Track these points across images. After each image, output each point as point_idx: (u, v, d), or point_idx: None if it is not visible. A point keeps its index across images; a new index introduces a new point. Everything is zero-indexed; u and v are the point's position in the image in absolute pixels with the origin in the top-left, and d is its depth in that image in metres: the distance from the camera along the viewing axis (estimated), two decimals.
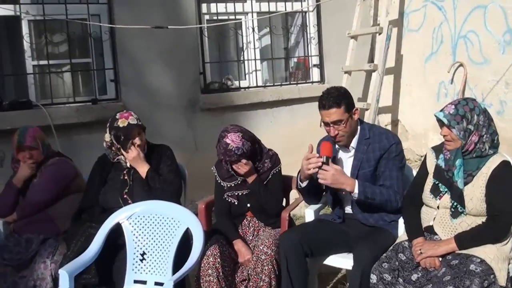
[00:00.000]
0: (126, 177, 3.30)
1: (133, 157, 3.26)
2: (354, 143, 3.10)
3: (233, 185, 3.42)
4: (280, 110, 6.04)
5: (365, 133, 3.10)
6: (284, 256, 3.02)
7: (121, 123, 3.24)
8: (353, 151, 3.12)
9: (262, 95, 5.86)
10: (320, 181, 2.94)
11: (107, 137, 3.31)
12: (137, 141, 3.27)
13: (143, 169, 3.28)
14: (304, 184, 3.12)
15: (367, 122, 3.37)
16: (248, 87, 5.96)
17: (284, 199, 3.63)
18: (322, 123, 3.03)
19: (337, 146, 3.14)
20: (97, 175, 3.36)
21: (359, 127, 3.12)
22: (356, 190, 2.97)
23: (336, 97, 2.95)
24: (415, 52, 6.12)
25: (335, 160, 3.14)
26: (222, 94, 5.64)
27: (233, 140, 3.22)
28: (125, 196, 3.25)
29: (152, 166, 3.32)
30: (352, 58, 6.04)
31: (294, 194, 3.84)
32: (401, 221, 3.05)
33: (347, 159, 3.15)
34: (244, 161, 3.28)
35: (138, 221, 2.97)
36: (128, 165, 3.31)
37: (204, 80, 5.58)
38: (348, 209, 3.22)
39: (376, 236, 2.97)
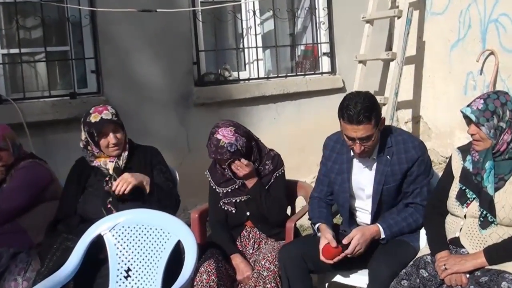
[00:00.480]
0: (109, 184, 3.29)
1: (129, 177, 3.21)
2: (375, 153, 3.06)
3: (229, 190, 3.43)
4: (285, 106, 6.05)
5: (386, 141, 3.06)
6: (284, 273, 3.03)
7: (93, 118, 3.25)
8: (373, 162, 3.08)
9: (264, 88, 5.86)
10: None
11: (82, 135, 3.32)
12: (111, 139, 3.27)
13: (146, 180, 3.27)
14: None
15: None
16: (249, 79, 5.96)
17: (289, 207, 3.66)
18: (345, 137, 2.98)
19: (352, 153, 3.12)
20: (75, 180, 3.36)
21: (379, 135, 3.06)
22: (383, 235, 3.02)
23: (366, 110, 2.86)
24: (439, 38, 6.12)
25: (350, 170, 3.12)
26: (219, 87, 5.64)
27: (224, 135, 3.24)
28: (109, 206, 3.24)
29: (133, 170, 3.32)
30: (367, 46, 6.04)
31: (300, 202, 3.84)
32: (423, 232, 3.05)
33: (363, 168, 3.13)
34: (244, 161, 3.29)
35: (123, 233, 2.96)
36: (110, 171, 3.31)
37: (198, 71, 5.59)
38: (364, 222, 3.23)
39: (394, 250, 2.97)
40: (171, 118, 5.41)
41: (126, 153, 3.36)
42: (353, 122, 2.86)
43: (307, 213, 3.70)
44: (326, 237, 2.93)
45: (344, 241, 2.91)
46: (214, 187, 3.47)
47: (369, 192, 3.10)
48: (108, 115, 3.27)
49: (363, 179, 3.11)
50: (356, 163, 3.14)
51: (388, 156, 3.02)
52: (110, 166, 3.33)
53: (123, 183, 3.17)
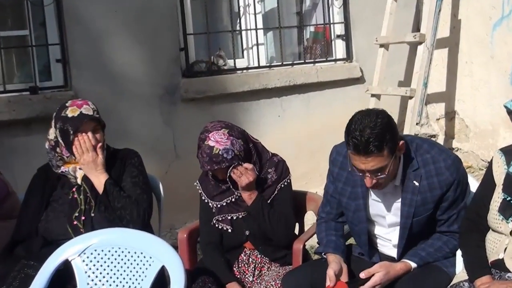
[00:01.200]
0: (76, 196, 3.31)
1: (87, 161, 3.27)
2: (397, 179, 3.00)
3: (224, 204, 3.43)
4: (291, 100, 6.09)
5: (411, 162, 3.00)
6: None
7: (71, 112, 3.26)
8: (397, 190, 3.04)
9: (266, 79, 5.89)
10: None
11: (51, 133, 3.32)
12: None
13: (99, 179, 3.31)
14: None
15: (407, 134, 3.30)
16: (247, 68, 6.00)
17: (297, 224, 3.65)
18: (353, 167, 2.90)
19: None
20: (37, 193, 3.36)
21: (402, 158, 2.99)
22: (413, 265, 3.01)
23: (377, 138, 2.75)
24: (478, 16, 6.13)
25: (365, 194, 3.09)
26: (211, 78, 5.68)
27: (217, 140, 3.23)
28: (75, 222, 3.25)
29: (111, 178, 3.35)
30: (390, 26, 6.08)
31: (310, 217, 3.84)
32: (459, 253, 3.05)
33: (384, 194, 3.07)
34: (248, 165, 3.30)
35: (95, 258, 2.94)
36: (78, 180, 3.32)
37: (186, 59, 5.62)
38: (387, 253, 3.22)
39: (424, 276, 2.96)
40: (154, 117, 5.44)
41: (105, 155, 3.37)
42: (360, 153, 2.78)
43: None
44: (328, 275, 2.92)
45: (362, 276, 2.90)
46: (206, 200, 3.47)
47: (392, 221, 3.08)
48: (89, 110, 3.28)
49: (384, 207, 3.08)
50: (376, 192, 3.09)
51: (415, 182, 2.96)
52: (79, 174, 3.33)
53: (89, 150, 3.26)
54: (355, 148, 2.77)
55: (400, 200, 3.01)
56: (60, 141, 3.28)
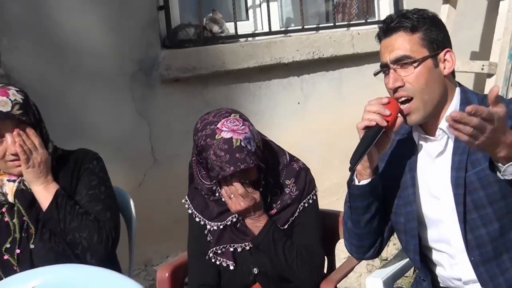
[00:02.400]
0: (7, 219, 3.32)
1: (36, 163, 3.29)
2: (445, 124, 2.97)
3: (228, 224, 3.44)
4: (317, 80, 6.13)
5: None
6: None
7: None
8: (447, 143, 3.08)
9: (280, 51, 5.90)
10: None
11: None
12: (9, 146, 3.27)
13: (47, 190, 3.32)
14: (363, 181, 3.09)
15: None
16: (254, 35, 6.02)
17: (325, 258, 3.67)
18: (383, 76, 3.07)
19: (414, 134, 3.11)
20: None
21: (456, 93, 3.08)
22: None
23: (414, 15, 2.99)
24: None
25: (413, 164, 3.12)
26: (203, 49, 5.65)
27: (233, 129, 3.25)
28: (6, 257, 3.26)
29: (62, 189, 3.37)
30: None
31: (344, 248, 3.82)
32: None
33: (435, 159, 3.11)
34: (238, 186, 3.28)
35: None
36: (9, 197, 3.33)
37: (168, 23, 5.60)
38: (450, 275, 3.20)
39: None
40: (123, 105, 5.41)
41: (48, 160, 3.36)
42: (386, 32, 3.02)
43: (356, 269, 3.69)
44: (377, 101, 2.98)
45: (468, 109, 2.88)
46: (202, 222, 3.49)
47: (447, 200, 3.07)
48: (5, 104, 3.25)
49: (437, 177, 3.10)
50: (422, 152, 3.15)
51: None
52: (9, 188, 3.35)
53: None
54: (383, 27, 3.04)
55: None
56: None
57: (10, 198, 3.31)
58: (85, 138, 4.45)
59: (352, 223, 3.18)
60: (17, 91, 3.32)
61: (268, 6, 6.01)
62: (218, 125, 3.26)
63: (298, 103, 6.03)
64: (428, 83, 2.98)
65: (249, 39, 5.94)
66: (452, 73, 3.10)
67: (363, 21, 6.38)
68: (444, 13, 6.00)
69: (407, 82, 2.96)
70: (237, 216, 3.42)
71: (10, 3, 5.03)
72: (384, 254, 5.57)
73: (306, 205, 3.46)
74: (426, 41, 2.98)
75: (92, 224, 3.30)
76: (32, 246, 3.27)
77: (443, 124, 3.03)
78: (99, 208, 3.36)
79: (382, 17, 6.36)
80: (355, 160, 2.92)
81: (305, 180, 3.49)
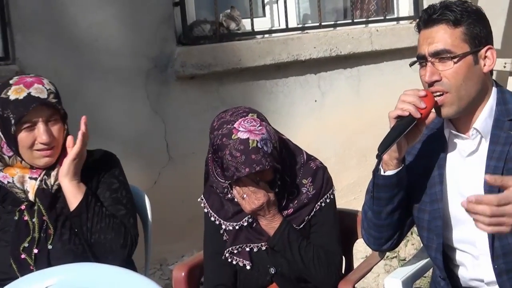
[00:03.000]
0: (26, 218, 3.29)
1: (73, 157, 3.29)
2: (480, 124, 3.03)
3: (244, 224, 3.43)
4: (334, 78, 6.12)
5: (509, 109, 3.04)
6: None
7: (15, 92, 3.25)
8: (480, 142, 3.06)
9: (297, 48, 5.89)
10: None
11: None
12: (40, 134, 3.25)
13: (78, 188, 3.31)
14: (389, 171, 3.06)
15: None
16: (270, 32, 6.01)
17: (343, 257, 3.66)
18: (417, 63, 3.06)
19: (444, 129, 3.11)
20: None
21: (493, 93, 3.07)
22: None
23: (455, 9, 2.95)
24: None
25: (442, 166, 3.10)
26: (219, 46, 5.66)
27: (249, 129, 3.24)
28: (23, 256, 3.23)
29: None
30: None
31: (361, 248, 3.80)
32: None
33: (466, 158, 3.09)
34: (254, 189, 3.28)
35: None
36: (30, 195, 3.30)
37: (183, 19, 5.59)
38: (472, 275, 3.19)
39: None
40: (137, 102, 5.41)
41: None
42: (427, 22, 2.98)
43: (374, 269, 3.67)
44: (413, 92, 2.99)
45: (487, 178, 2.84)
46: (217, 222, 3.49)
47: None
48: (41, 92, 3.27)
49: (467, 177, 3.07)
50: (453, 149, 3.13)
51: (511, 132, 3.00)
52: (31, 186, 3.32)
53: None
54: (424, 16, 3.00)
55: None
56: (0, 134, 3.31)
57: (31, 196, 3.30)
58: (100, 135, 4.43)
59: (373, 213, 3.18)
60: (49, 81, 3.35)
61: (285, 2, 5.98)
62: (235, 125, 3.25)
63: (315, 100, 6.02)
64: (466, 80, 2.96)
65: (266, 35, 5.94)
66: (490, 72, 3.07)
67: (382, 17, 6.38)
68: None
69: (444, 76, 2.94)
70: (252, 216, 3.41)
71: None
72: (402, 254, 5.59)
73: (323, 204, 3.46)
74: (468, 36, 2.96)
75: (118, 227, 3.32)
76: (50, 246, 3.26)
77: (477, 123, 3.02)
78: (123, 213, 3.39)
79: (401, 14, 6.47)
80: (383, 148, 2.91)
81: (323, 179, 3.48)
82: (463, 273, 3.20)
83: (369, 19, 6.35)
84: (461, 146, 3.09)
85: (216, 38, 5.68)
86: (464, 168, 3.08)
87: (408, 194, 3.15)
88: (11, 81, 3.29)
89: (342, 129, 6.08)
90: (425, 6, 6.20)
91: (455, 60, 2.92)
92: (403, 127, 2.90)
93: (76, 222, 3.28)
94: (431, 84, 2.96)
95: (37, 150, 3.27)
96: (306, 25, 6.18)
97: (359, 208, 3.77)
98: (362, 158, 6.18)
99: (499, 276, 3.03)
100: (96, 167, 3.44)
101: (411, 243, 5.63)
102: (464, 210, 2.99)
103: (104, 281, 2.93)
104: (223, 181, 3.39)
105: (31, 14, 5.05)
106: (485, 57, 3.00)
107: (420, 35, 3.02)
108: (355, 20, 6.31)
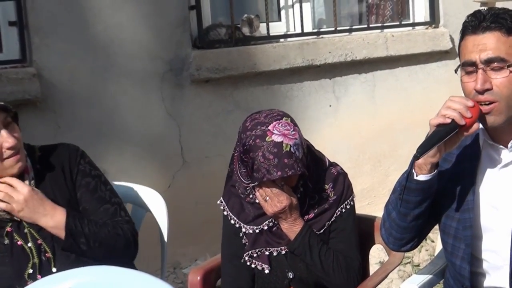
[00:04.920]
0: (20, 242, 3.24)
1: (23, 200, 3.18)
2: None
3: (265, 229, 3.45)
4: (349, 83, 6.14)
5: None
6: None
7: None
8: None
9: (312, 53, 5.90)
10: None
11: None
12: (5, 138, 3.16)
13: (53, 220, 3.23)
14: (422, 177, 3.02)
15: None
16: (286, 36, 6.02)
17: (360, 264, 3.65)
18: (461, 70, 2.99)
19: (480, 137, 3.08)
20: None
21: None
22: None
23: (506, 16, 2.89)
24: None
25: (474, 174, 3.09)
26: (234, 50, 5.69)
27: (284, 133, 3.25)
28: (29, 282, 3.14)
29: (48, 191, 3.30)
30: None
31: (377, 254, 3.82)
32: None
33: (500, 169, 3.09)
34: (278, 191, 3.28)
35: None
36: (11, 214, 3.21)
37: (199, 22, 5.62)
38: (494, 284, 3.17)
39: None
40: (152, 105, 5.44)
41: (32, 173, 3.31)
42: (477, 28, 2.91)
43: (389, 275, 3.68)
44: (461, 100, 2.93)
45: None
46: (237, 225, 3.50)
47: (506, 211, 3.06)
48: None
49: (500, 188, 3.06)
50: (487, 158, 3.11)
51: None
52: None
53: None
54: (473, 22, 2.93)
55: None
56: None
57: (17, 216, 3.22)
58: (115, 138, 4.46)
59: (397, 214, 3.15)
60: None
61: (300, 7, 6.01)
62: (269, 127, 3.26)
63: (330, 105, 6.03)
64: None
65: (281, 40, 5.96)
66: None
67: (397, 23, 6.39)
68: None
69: (495, 85, 2.89)
70: (273, 220, 3.40)
71: (41, 2, 5.08)
72: (416, 259, 5.58)
73: (343, 210, 3.46)
74: None
75: (115, 233, 3.31)
76: (54, 269, 3.23)
77: None
78: (112, 210, 3.37)
79: (417, 19, 6.46)
80: (423, 150, 2.87)
81: (344, 185, 3.49)
82: (484, 282, 3.20)
83: (385, 24, 6.35)
84: (496, 156, 3.07)
85: (232, 42, 5.70)
86: (498, 179, 3.06)
87: (437, 199, 3.12)
88: None
89: (356, 134, 6.08)
90: (442, 12, 6.33)
91: (511, 68, 2.88)
92: (446, 132, 2.88)
93: (74, 252, 3.25)
94: (481, 92, 2.91)
95: (7, 158, 3.18)
96: (321, 30, 6.19)
97: (373, 213, 3.81)
98: (377, 163, 6.18)
99: None
100: (66, 168, 3.38)
101: (425, 249, 5.59)
102: (492, 220, 3.04)
103: (120, 283, 2.94)
104: (247, 182, 3.38)
105: (48, 17, 5.09)
106: None
107: (466, 40, 2.95)
108: (370, 25, 6.31)
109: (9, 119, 3.21)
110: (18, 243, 3.23)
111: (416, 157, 2.91)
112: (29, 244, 3.23)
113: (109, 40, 5.27)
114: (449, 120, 2.85)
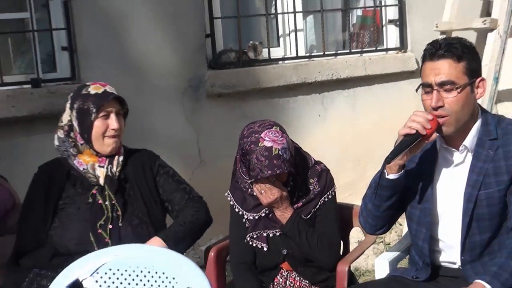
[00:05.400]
0: (100, 201, 3.34)
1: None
2: (469, 141, 3.08)
3: (262, 215, 3.50)
4: (335, 97, 6.16)
5: (489, 130, 3.08)
6: None
7: (94, 89, 3.33)
8: (466, 156, 3.11)
9: (305, 72, 5.95)
10: None
11: (65, 117, 3.37)
12: (112, 122, 3.31)
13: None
14: (391, 175, 3.08)
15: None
16: (283, 59, 6.06)
17: (341, 243, 3.71)
18: (421, 89, 3.07)
19: (436, 142, 3.13)
20: (41, 195, 3.35)
21: (479, 119, 3.10)
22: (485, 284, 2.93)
23: (457, 46, 2.98)
24: None
25: (433, 172, 3.16)
26: (242, 70, 5.73)
27: (273, 139, 3.29)
28: (100, 231, 3.28)
29: (127, 182, 3.42)
30: (454, 10, 6.06)
31: (356, 234, 3.88)
32: None
33: (453, 168, 3.15)
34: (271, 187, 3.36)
35: (110, 278, 2.90)
36: (101, 180, 3.34)
37: (213, 48, 5.69)
38: (448, 259, 3.25)
39: None
40: (175, 115, 5.51)
41: (121, 157, 3.43)
42: (433, 56, 2.98)
43: (365, 252, 3.77)
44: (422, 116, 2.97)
45: None
46: (240, 212, 3.53)
47: (459, 202, 3.11)
48: (112, 90, 3.36)
49: (451, 183, 3.14)
50: (443, 159, 3.17)
51: (490, 151, 3.05)
52: (101, 172, 3.36)
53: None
54: (429, 52, 3.01)
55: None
56: (75, 125, 3.32)
57: (101, 181, 3.33)
58: (146, 140, 4.43)
59: (372, 206, 3.20)
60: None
61: (296, 35, 6.07)
62: (262, 135, 3.29)
63: (319, 115, 6.07)
64: (464, 106, 2.98)
65: (280, 62, 5.99)
66: (479, 105, 3.12)
67: (374, 48, 6.38)
68: None
69: (447, 103, 2.96)
70: (269, 209, 3.46)
71: (87, 30, 5.17)
72: (387, 239, 5.54)
73: (326, 199, 3.49)
74: (468, 70, 2.97)
75: (203, 205, 3.53)
76: (120, 224, 3.30)
77: (467, 141, 3.05)
78: (188, 189, 3.52)
79: (390, 46, 6.43)
80: (393, 156, 2.95)
81: (326, 179, 3.52)
82: (441, 257, 3.24)
83: (363, 49, 6.36)
84: (450, 157, 3.12)
85: (239, 64, 5.74)
86: (451, 176, 3.12)
87: (404, 193, 3.17)
88: (87, 84, 3.38)
89: (340, 138, 6.10)
90: (409, 39, 6.30)
91: (459, 90, 2.94)
92: (410, 142, 2.94)
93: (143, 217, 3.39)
94: (435, 109, 2.97)
95: (108, 136, 3.31)
96: (312, 54, 6.21)
97: (355, 203, 3.81)
98: (356, 162, 6.19)
99: (464, 265, 3.12)
100: (147, 163, 3.49)
101: (395, 231, 5.63)
102: (447, 208, 3.09)
103: (150, 259, 2.93)
104: (247, 178, 3.44)
105: (93, 43, 5.17)
106: (478, 86, 3.03)
107: (425, 65, 3.02)
108: (352, 50, 6.32)
109: (121, 112, 3.40)
110: (99, 201, 3.32)
111: (387, 162, 2.99)
112: (106, 203, 3.32)
113: (141, 62, 5.35)
114: (413, 131, 2.92)
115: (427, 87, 3.01)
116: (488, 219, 3.06)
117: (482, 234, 3.08)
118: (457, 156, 3.12)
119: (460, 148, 3.07)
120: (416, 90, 3.10)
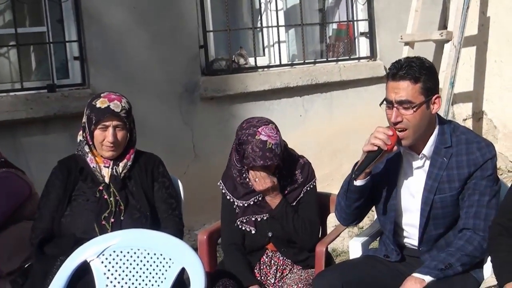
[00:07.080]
0: (106, 196, 3.32)
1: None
2: (427, 150, 3.09)
3: (250, 205, 3.48)
4: (313, 100, 6.12)
5: (445, 139, 3.10)
6: None
7: (100, 103, 3.29)
8: (424, 162, 3.12)
9: (287, 78, 5.92)
10: None
11: (83, 119, 3.37)
12: (108, 135, 3.27)
13: None
14: (359, 182, 3.08)
15: (451, 120, 3.33)
16: (268, 67, 6.03)
17: (320, 227, 3.68)
18: (385, 102, 3.06)
19: (400, 147, 3.11)
20: (58, 186, 3.36)
21: (436, 128, 3.11)
22: (428, 280, 2.94)
23: (415, 68, 2.96)
24: (508, 13, 6.06)
25: (398, 173, 3.16)
26: (231, 76, 5.71)
27: (269, 135, 3.30)
28: (103, 223, 3.26)
29: (133, 180, 3.38)
30: (416, 23, 6.07)
31: (333, 220, 3.84)
32: (488, 258, 3.02)
33: (414, 170, 3.16)
34: (263, 174, 3.34)
35: (114, 259, 2.97)
36: (106, 179, 3.33)
37: (206, 57, 5.65)
38: (412, 243, 3.26)
39: (451, 282, 2.95)
40: (173, 116, 5.49)
41: (130, 162, 3.40)
42: (395, 77, 2.96)
43: (341, 235, 3.70)
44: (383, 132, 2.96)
45: None
46: (231, 200, 3.51)
47: (418, 202, 3.14)
48: (117, 107, 3.29)
49: (412, 185, 3.15)
50: (406, 163, 3.17)
51: (444, 158, 3.06)
52: (106, 172, 3.35)
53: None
54: (391, 72, 2.99)
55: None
56: (86, 127, 3.32)
57: (106, 180, 3.31)
58: (147, 139, 4.42)
59: (344, 205, 3.20)
60: (127, 101, 3.38)
61: (279, 45, 6.05)
62: (259, 129, 3.31)
63: (300, 115, 6.04)
64: (420, 121, 2.99)
65: (265, 69, 5.97)
66: (437, 114, 3.11)
67: (347, 57, 6.36)
68: (405, 52, 5.97)
69: (405, 118, 2.96)
70: (257, 197, 3.44)
71: (96, 42, 5.18)
72: (360, 224, 5.55)
73: (308, 189, 3.50)
74: (424, 89, 2.96)
75: (178, 221, 3.41)
76: (122, 218, 3.27)
77: (425, 150, 3.07)
78: (174, 205, 3.43)
79: (361, 55, 6.44)
80: (359, 172, 2.99)
81: (308, 171, 3.53)
82: (405, 241, 3.25)
83: (339, 58, 6.34)
84: (412, 161, 3.13)
85: (229, 71, 5.74)
86: (413, 177, 3.14)
87: (373, 192, 3.18)
88: (101, 94, 3.34)
89: (319, 135, 6.07)
90: (378, 49, 6.33)
91: (415, 108, 2.94)
92: (373, 157, 2.94)
93: (139, 211, 3.33)
94: (395, 124, 2.98)
95: (105, 146, 3.28)
96: (294, 62, 6.19)
97: (331, 191, 3.81)
98: (333, 156, 6.15)
99: (422, 255, 3.15)
100: (151, 165, 3.45)
101: (367, 216, 5.55)
102: (410, 205, 3.12)
103: (149, 242, 3.00)
104: (239, 166, 3.43)
105: (101, 54, 5.18)
106: (434, 103, 3.02)
107: (388, 83, 3.00)
108: (328, 59, 6.32)
109: (122, 126, 3.32)
110: (105, 196, 3.30)
111: (354, 178, 3.04)
112: (111, 199, 3.29)
113: (143, 70, 5.34)
114: (376, 148, 2.93)
115: (389, 103, 3.00)
116: (442, 218, 3.11)
117: (437, 229, 3.13)
118: (417, 161, 3.13)
119: (420, 156, 3.10)
120: (380, 104, 3.10)
